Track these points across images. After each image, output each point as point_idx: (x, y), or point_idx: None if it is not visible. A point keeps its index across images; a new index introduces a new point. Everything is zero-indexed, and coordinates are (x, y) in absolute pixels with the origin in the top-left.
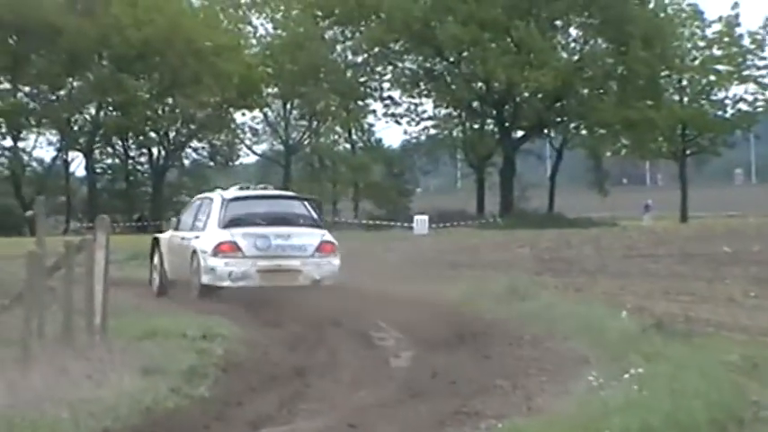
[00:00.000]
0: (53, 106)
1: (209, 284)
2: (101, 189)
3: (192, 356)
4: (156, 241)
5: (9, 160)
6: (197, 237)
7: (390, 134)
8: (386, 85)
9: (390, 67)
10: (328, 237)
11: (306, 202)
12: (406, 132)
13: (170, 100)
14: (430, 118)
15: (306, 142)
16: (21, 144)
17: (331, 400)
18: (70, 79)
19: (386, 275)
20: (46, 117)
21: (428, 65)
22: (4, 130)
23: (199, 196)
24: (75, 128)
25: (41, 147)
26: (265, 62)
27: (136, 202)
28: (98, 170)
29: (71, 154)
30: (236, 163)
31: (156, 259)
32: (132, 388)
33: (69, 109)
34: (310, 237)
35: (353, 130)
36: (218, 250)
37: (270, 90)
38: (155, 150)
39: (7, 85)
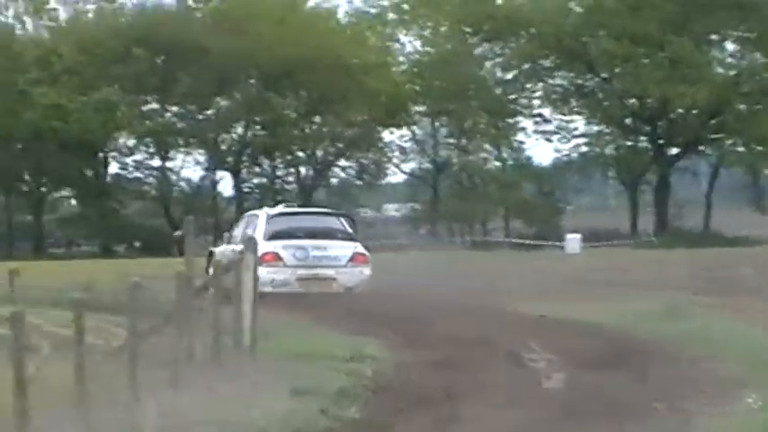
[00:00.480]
0: (201, 126)
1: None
2: (248, 208)
3: (341, 378)
4: (210, 254)
5: (158, 180)
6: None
7: (541, 152)
8: (536, 101)
9: (541, 84)
10: (360, 249)
11: (341, 218)
12: (556, 150)
13: (317, 118)
14: (581, 135)
15: (454, 160)
16: (169, 164)
17: (483, 422)
18: (218, 99)
19: (536, 295)
20: (194, 137)
21: (579, 81)
22: (152, 150)
23: (248, 213)
24: (223, 147)
25: (189, 166)
26: (413, 80)
27: None
28: (245, 189)
29: (219, 173)
30: (384, 182)
31: (210, 271)
32: (282, 409)
33: (217, 128)
34: (344, 248)
35: (503, 148)
36: (261, 260)
37: (418, 108)
38: (302, 169)
39: (156, 105)
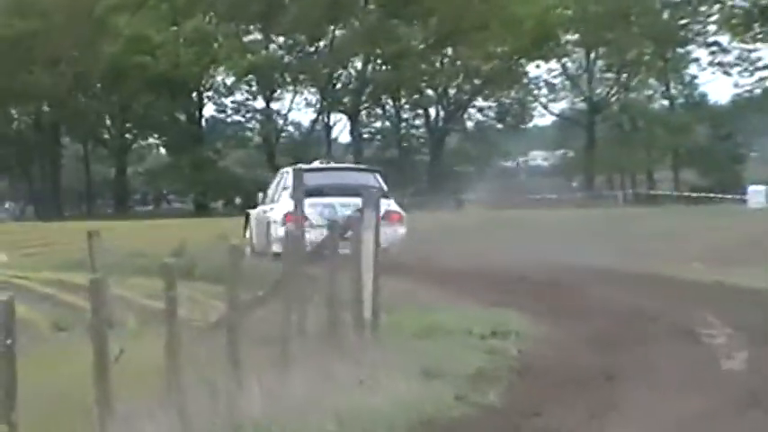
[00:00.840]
0: (312, 60)
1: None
2: (368, 158)
3: (480, 357)
4: (247, 216)
5: (261, 124)
6: (272, 209)
7: (717, 87)
8: (711, 27)
9: (717, 6)
10: (394, 206)
11: (375, 174)
12: (736, 85)
13: (450, 50)
14: (766, 67)
15: (613, 99)
16: (275, 105)
17: (650, 410)
18: (332, 27)
19: (713, 259)
20: (303, 73)
21: (765, 1)
22: (255, 89)
23: (282, 170)
24: (338, 85)
25: (298, 108)
26: (564, 3)
27: (410, 174)
28: (365, 135)
29: (333, 116)
30: (529, 125)
31: (247, 233)
32: (410, 395)
33: (331, 63)
34: None
35: (672, 84)
36: (286, 220)
37: (570, 36)
38: (432, 111)
39: (258, 36)
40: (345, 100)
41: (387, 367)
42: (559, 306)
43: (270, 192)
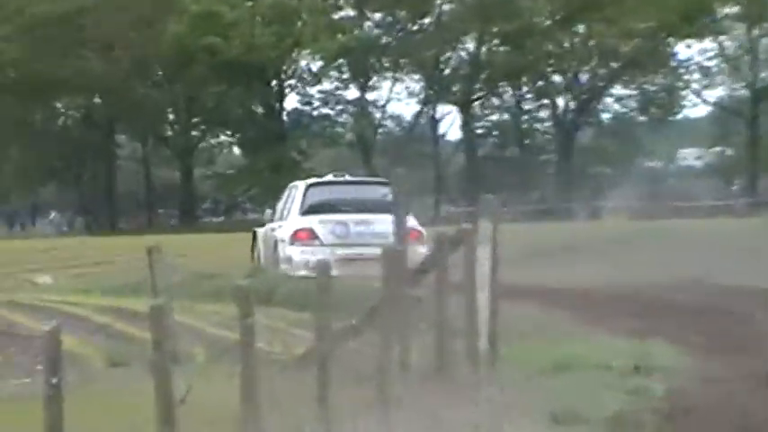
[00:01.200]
0: (415, 40)
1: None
2: (484, 157)
3: (620, 398)
4: (254, 235)
5: (354, 118)
6: (280, 226)
7: None
8: None
9: None
10: (413, 222)
11: (388, 186)
12: None
13: (581, 27)
14: None
15: None
16: (370, 96)
17: None
18: (438, 1)
19: None
20: (404, 56)
21: None
22: (346, 77)
23: (291, 184)
24: (447, 71)
25: (399, 99)
26: None
27: (534, 177)
28: (479, 131)
29: (440, 108)
30: (679, 116)
31: (255, 252)
32: None
33: (437, 43)
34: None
35: None
36: (294, 238)
37: (728, 10)
38: (560, 101)
39: (351, 12)
40: (455, 88)
41: (508, 410)
42: (718, 336)
43: (278, 208)
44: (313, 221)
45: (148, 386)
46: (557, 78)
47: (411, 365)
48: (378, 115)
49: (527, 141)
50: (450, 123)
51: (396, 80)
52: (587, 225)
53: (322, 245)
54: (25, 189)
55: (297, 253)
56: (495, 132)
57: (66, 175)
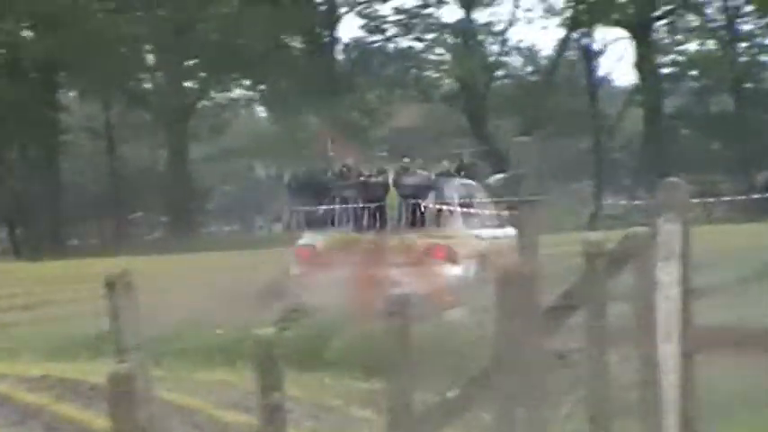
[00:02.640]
0: None
1: None
2: (673, 115)
3: None
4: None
5: (455, 53)
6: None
7: None
8: None
9: None
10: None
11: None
12: None
13: None
14: None
15: None
16: (481, 15)
17: None
18: None
19: None
20: None
21: None
22: None
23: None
24: None
25: (529, 20)
26: None
27: (759, 146)
28: (666, 69)
29: (600, 33)
30: None
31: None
32: None
33: None
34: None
35: None
36: (297, 256)
37: None
38: None
39: None
40: None
41: None
42: None
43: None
44: (316, 238)
45: None
46: None
47: None
48: (494, 48)
49: (748, 86)
50: (619, 59)
51: None
52: None
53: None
54: None
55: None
56: (693, 72)
57: None
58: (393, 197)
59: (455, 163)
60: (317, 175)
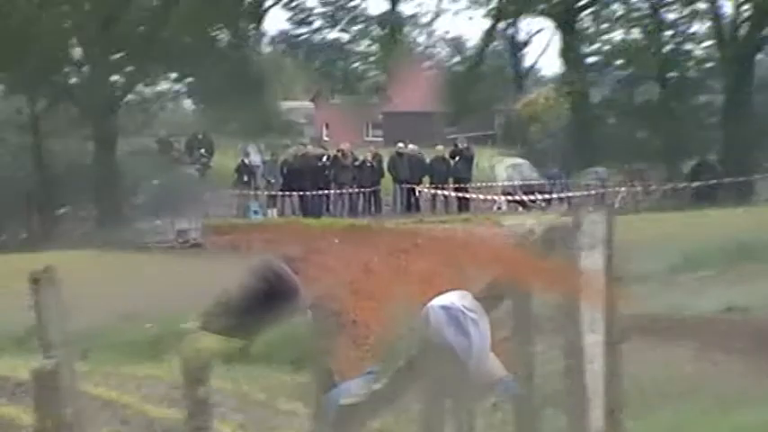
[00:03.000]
0: None
1: None
2: (600, 104)
3: None
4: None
5: (382, 44)
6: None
7: None
8: None
9: None
10: None
11: None
12: None
13: None
14: None
15: None
16: (407, 7)
17: None
18: None
19: None
20: None
21: None
22: None
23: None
24: None
25: (455, 11)
26: None
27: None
28: (591, 59)
29: (525, 24)
30: None
31: None
32: None
33: None
34: None
35: None
36: None
37: None
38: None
39: None
40: None
41: None
42: None
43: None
44: None
45: None
46: None
47: None
48: (421, 39)
49: (673, 75)
50: (543, 48)
51: None
52: None
53: None
54: None
55: None
56: (618, 61)
57: None
58: None
59: (449, 148)
60: (311, 160)
